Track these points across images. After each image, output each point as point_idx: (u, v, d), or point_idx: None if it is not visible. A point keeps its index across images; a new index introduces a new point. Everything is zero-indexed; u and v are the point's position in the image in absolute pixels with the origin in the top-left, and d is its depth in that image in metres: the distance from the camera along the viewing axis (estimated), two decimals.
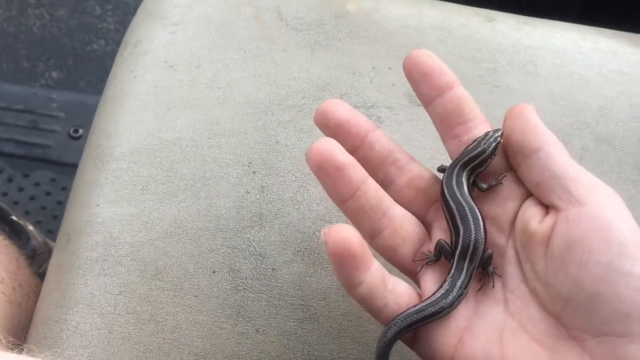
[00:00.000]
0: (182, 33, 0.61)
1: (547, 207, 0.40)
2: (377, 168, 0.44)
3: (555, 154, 0.40)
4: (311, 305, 0.49)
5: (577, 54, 0.62)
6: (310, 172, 0.54)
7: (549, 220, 0.39)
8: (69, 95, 1.22)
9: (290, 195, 0.53)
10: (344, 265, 0.38)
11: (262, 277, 0.50)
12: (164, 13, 0.62)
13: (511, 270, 0.41)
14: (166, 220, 0.52)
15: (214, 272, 0.50)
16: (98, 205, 0.53)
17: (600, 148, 0.57)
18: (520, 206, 0.42)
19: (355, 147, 0.43)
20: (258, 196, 0.53)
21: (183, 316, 0.48)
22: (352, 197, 0.41)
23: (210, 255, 0.51)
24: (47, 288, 0.52)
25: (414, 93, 0.58)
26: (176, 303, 0.49)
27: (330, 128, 0.43)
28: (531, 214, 0.40)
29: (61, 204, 1.08)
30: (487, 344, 0.39)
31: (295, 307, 0.49)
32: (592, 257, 0.36)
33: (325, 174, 0.40)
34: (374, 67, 0.59)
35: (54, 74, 1.44)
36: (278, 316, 0.49)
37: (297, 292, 0.50)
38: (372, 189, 0.41)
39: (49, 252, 0.79)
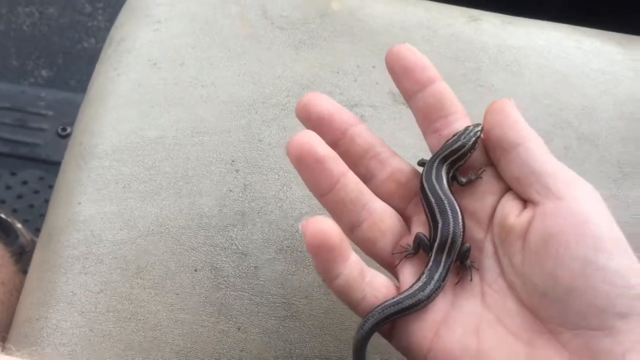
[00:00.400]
0: (166, 31, 0.61)
1: (525, 202, 0.40)
2: (358, 161, 0.43)
3: (534, 150, 0.40)
4: (293, 304, 0.49)
5: (561, 53, 0.62)
6: (294, 170, 0.54)
7: (527, 214, 0.39)
8: (57, 93, 1.21)
9: (273, 193, 0.53)
10: (322, 257, 0.38)
11: (244, 275, 0.50)
12: (148, 10, 0.62)
13: (489, 264, 0.41)
14: (148, 219, 0.52)
15: (195, 270, 0.50)
16: (80, 203, 0.53)
17: (583, 147, 0.57)
18: (499, 201, 0.42)
19: (336, 140, 0.43)
20: (241, 194, 0.53)
21: (164, 314, 0.48)
22: (331, 190, 0.41)
23: (192, 254, 0.51)
24: (29, 286, 0.52)
25: (397, 92, 0.58)
26: (157, 301, 0.49)
27: (312, 121, 0.43)
28: (509, 208, 0.41)
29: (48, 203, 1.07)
30: (464, 337, 0.39)
31: (277, 305, 0.49)
32: (568, 251, 0.37)
33: (305, 166, 0.40)
34: (358, 66, 0.60)
35: (44, 73, 1.43)
36: (260, 314, 0.49)
37: (279, 290, 0.50)
38: (352, 182, 0.41)
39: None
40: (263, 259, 0.51)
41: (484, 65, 0.61)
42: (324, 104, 0.43)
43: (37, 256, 0.53)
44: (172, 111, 0.57)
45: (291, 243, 0.51)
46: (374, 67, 0.60)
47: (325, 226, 0.37)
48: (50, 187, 1.10)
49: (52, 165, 1.10)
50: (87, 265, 0.50)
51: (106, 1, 1.55)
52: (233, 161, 0.54)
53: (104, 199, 0.53)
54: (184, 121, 0.56)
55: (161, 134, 0.55)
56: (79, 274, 0.50)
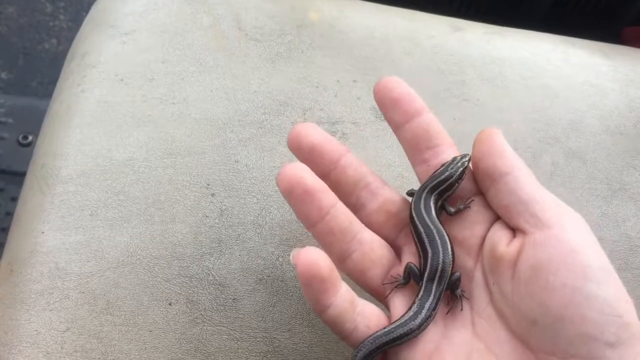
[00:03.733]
0: (134, 44, 0.57)
1: (514, 231, 0.41)
2: (349, 192, 0.44)
3: (522, 178, 0.40)
4: (275, 337, 0.46)
5: (547, 65, 0.60)
6: (273, 193, 0.51)
7: (516, 243, 0.40)
8: (17, 99, 1.16)
9: (252, 218, 0.50)
10: (313, 288, 0.38)
11: (222, 308, 0.47)
12: (114, 22, 0.58)
13: (479, 293, 0.42)
14: (117, 249, 0.48)
15: (170, 304, 0.47)
16: (43, 232, 0.49)
17: (571, 163, 0.55)
18: (488, 230, 0.42)
19: (328, 171, 0.43)
20: (217, 220, 0.50)
21: (137, 353, 0.45)
22: (321, 220, 0.41)
23: (166, 286, 0.47)
24: None
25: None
26: (129, 339, 0.45)
27: (303, 152, 0.43)
28: (498, 237, 0.41)
29: (10, 215, 1.02)
30: None
31: (258, 339, 0.46)
32: (557, 280, 0.37)
33: (295, 197, 0.40)
34: (338, 80, 0.57)
35: (4, 75, 1.38)
36: (240, 350, 0.46)
37: (260, 323, 0.47)
38: (342, 212, 0.41)
39: None
40: (242, 290, 0.48)
41: (468, 79, 0.58)
42: (315, 134, 0.43)
43: None
44: (141, 130, 0.53)
45: (272, 272, 0.48)
46: (354, 81, 0.57)
47: (316, 256, 0.38)
48: (12, 199, 1.05)
49: (13, 176, 1.05)
50: (51, 301, 0.46)
51: (68, 0, 1.50)
52: (208, 184, 0.51)
53: (69, 227, 0.49)
54: (154, 141, 0.53)
55: (130, 156, 0.52)
56: (43, 311, 0.46)
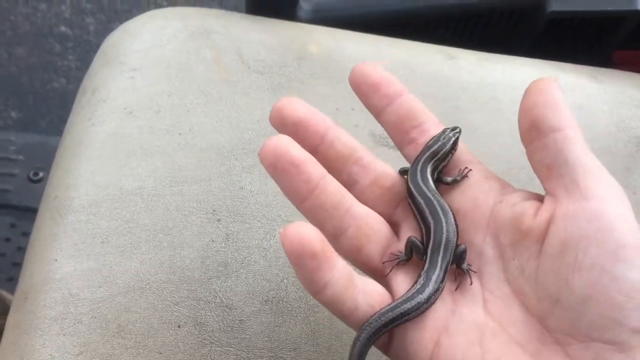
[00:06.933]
0: (141, 78, 0.60)
1: (542, 200, 0.38)
2: (339, 168, 0.41)
3: (573, 139, 0.37)
4: (281, 357, 0.48)
5: None
6: (277, 218, 0.53)
7: (545, 213, 0.37)
8: (28, 137, 1.19)
9: (257, 242, 0.52)
10: (305, 267, 0.35)
11: (229, 329, 0.49)
12: (123, 58, 0.61)
13: (491, 270, 0.39)
14: (128, 274, 0.50)
15: (179, 326, 0.48)
16: (56, 260, 0.51)
17: None
18: (494, 201, 0.40)
19: (315, 146, 0.41)
20: (223, 245, 0.52)
21: None
22: (311, 194, 0.38)
23: (175, 309, 0.49)
24: (3, 350, 0.50)
25: (378, 133, 0.58)
26: None
27: (288, 127, 0.40)
28: (523, 209, 0.38)
29: (22, 250, 1.04)
30: (467, 346, 0.37)
31: (265, 359, 0.48)
32: (587, 258, 0.35)
33: (281, 171, 0.38)
34: (337, 108, 0.59)
35: (14, 114, 1.41)
36: None
37: (266, 343, 0.48)
38: (332, 185, 0.39)
39: (4, 306, 0.76)
40: (248, 312, 0.49)
41: (462, 104, 0.61)
42: (299, 108, 0.40)
43: (12, 318, 0.51)
44: (150, 160, 0.55)
45: (277, 293, 0.50)
46: (352, 109, 0.59)
47: (304, 231, 0.34)
48: (23, 234, 1.07)
49: (24, 212, 1.07)
50: (65, 326, 0.48)
51: (76, 40, 1.54)
52: (214, 210, 0.53)
53: (82, 254, 0.51)
54: (162, 170, 0.55)
55: (139, 185, 0.54)
56: (57, 336, 0.48)
